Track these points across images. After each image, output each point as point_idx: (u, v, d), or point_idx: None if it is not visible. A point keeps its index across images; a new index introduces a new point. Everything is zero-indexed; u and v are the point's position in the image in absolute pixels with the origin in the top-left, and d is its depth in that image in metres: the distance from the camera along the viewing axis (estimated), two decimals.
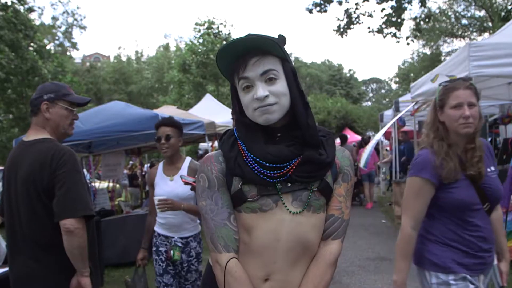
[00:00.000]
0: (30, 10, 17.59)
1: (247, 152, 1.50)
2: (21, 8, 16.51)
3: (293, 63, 1.58)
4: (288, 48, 1.59)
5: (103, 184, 12.10)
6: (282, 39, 1.54)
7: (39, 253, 2.42)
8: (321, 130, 1.61)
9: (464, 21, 31.69)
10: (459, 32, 32.03)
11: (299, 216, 1.50)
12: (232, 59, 1.48)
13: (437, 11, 29.73)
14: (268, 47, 1.45)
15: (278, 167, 1.46)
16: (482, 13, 29.75)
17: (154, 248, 3.65)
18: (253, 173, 1.47)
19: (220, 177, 1.54)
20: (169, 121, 3.67)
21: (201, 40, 28.04)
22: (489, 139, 13.93)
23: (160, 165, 3.76)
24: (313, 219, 1.53)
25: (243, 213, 1.51)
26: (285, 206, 1.49)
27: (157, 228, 3.66)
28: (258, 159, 1.47)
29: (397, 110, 10.65)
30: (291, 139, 1.50)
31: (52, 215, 2.35)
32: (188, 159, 3.72)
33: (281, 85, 1.47)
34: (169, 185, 3.55)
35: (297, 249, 1.51)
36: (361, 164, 9.32)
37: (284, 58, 1.51)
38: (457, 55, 5.47)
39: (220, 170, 1.54)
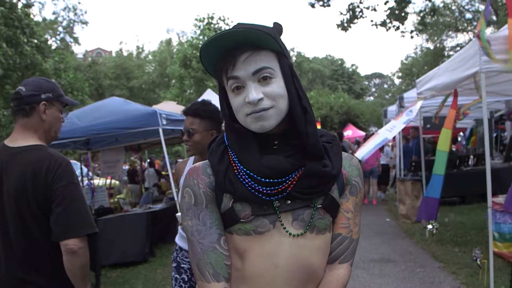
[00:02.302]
0: (28, 6, 17.38)
1: (239, 164, 1.28)
2: (19, 4, 16.34)
3: (293, 58, 1.33)
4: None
5: (102, 181, 11.94)
6: (277, 29, 1.32)
7: (32, 276, 2.14)
8: (325, 135, 1.39)
9: (468, 15, 31.38)
10: (463, 26, 31.74)
11: (301, 239, 1.28)
12: (219, 55, 1.24)
13: (441, 5, 29.42)
14: (261, 41, 1.21)
15: (276, 182, 1.24)
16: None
17: (174, 264, 2.96)
18: (246, 190, 1.25)
19: (208, 192, 1.31)
20: (194, 110, 2.84)
21: (201, 37, 28.05)
22: (495, 135, 13.77)
23: (190, 161, 3.03)
24: (317, 241, 1.30)
25: (235, 235, 1.29)
26: (284, 228, 1.27)
27: (178, 241, 2.98)
28: (251, 173, 1.25)
29: (401, 106, 10.42)
30: (291, 148, 1.28)
31: (47, 233, 2.09)
32: None
33: (277, 85, 1.24)
34: None
35: (299, 277, 1.29)
36: (359, 154, 8.99)
37: (280, 53, 1.28)
38: (466, 49, 5.25)
39: (208, 185, 1.31)
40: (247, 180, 1.25)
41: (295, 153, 1.27)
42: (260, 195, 1.24)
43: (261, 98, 1.21)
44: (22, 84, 2.28)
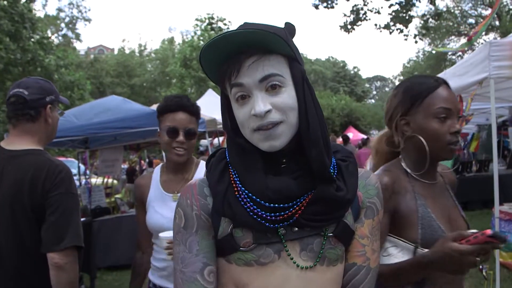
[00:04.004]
0: (30, 0, 17.30)
1: (240, 185, 1.11)
2: None
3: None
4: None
5: (100, 180, 11.82)
6: (290, 30, 1.16)
7: (21, 286, 2.01)
8: (340, 151, 1.22)
9: (471, 20, 31.31)
10: (466, 31, 31.67)
11: (310, 272, 1.11)
12: (222, 59, 1.08)
13: (444, 9, 29.37)
14: (270, 43, 1.04)
15: (282, 207, 1.07)
16: (488, 11, 29.36)
17: None
18: (248, 215, 1.08)
19: (202, 215, 1.15)
20: (191, 106, 2.30)
21: (202, 38, 28.13)
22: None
23: (156, 173, 2.44)
24: (329, 274, 1.14)
25: (234, 265, 1.12)
26: (291, 259, 1.10)
27: (152, 276, 2.42)
28: (254, 197, 1.08)
29: None
30: (299, 168, 1.12)
31: (40, 242, 1.97)
32: (202, 165, 2.43)
33: (288, 95, 1.08)
34: (174, 209, 2.40)
35: None
36: (368, 167, 8.81)
37: (292, 57, 1.11)
38: (475, 54, 5.12)
39: (203, 207, 1.15)
40: (248, 204, 1.08)
41: (304, 173, 1.11)
42: (263, 221, 1.08)
43: (269, 110, 1.05)
44: (20, 86, 2.13)
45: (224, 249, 1.13)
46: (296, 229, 1.11)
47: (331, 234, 1.13)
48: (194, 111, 2.31)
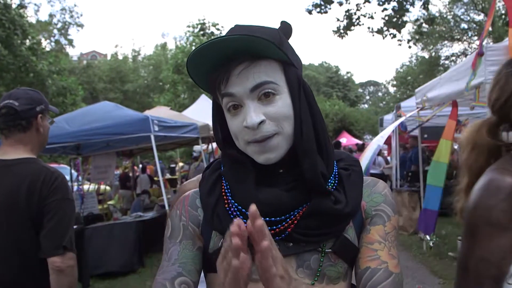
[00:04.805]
0: (22, 6, 17.21)
1: (230, 198, 1.05)
2: (13, 4, 16.16)
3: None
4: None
5: (93, 186, 11.72)
6: (285, 30, 1.08)
7: None
8: (344, 159, 1.14)
9: (463, 25, 31.47)
10: (459, 36, 31.82)
11: None
12: (210, 66, 0.99)
13: (437, 14, 29.51)
14: (260, 49, 0.96)
15: (274, 221, 1.00)
16: (481, 17, 29.52)
17: None
18: None
19: (189, 227, 1.10)
20: None
21: (194, 43, 28.20)
22: None
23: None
24: None
25: None
26: None
27: None
28: (244, 210, 1.01)
29: (398, 115, 10.30)
30: (294, 179, 1.03)
31: (37, 249, 1.98)
32: None
33: (282, 104, 0.99)
34: None
35: None
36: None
37: (286, 61, 1.02)
38: (470, 59, 5.09)
39: (192, 218, 1.11)
40: (239, 218, 1.00)
41: (299, 185, 1.03)
42: None
43: (262, 120, 0.97)
44: (11, 98, 2.14)
45: (215, 264, 1.06)
46: (291, 244, 1.03)
47: (329, 250, 1.04)
48: None
